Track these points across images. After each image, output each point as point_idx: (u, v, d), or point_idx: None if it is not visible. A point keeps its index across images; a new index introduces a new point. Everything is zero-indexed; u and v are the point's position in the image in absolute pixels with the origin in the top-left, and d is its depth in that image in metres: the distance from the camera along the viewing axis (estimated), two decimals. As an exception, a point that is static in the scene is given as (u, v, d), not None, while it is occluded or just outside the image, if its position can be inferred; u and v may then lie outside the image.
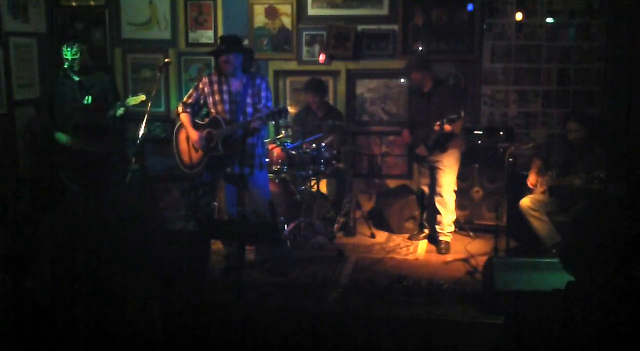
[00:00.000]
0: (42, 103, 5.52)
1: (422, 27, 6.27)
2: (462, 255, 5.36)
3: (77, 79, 5.27)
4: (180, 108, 4.82)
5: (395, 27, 6.29)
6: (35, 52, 6.23)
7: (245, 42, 5.57)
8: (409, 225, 5.99)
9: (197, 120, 4.81)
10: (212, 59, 6.53)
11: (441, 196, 5.43)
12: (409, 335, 3.85)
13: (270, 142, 5.67)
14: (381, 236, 5.92)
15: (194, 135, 4.69)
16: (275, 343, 3.79)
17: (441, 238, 5.50)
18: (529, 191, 5.28)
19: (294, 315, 4.04)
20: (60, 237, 2.77)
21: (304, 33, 6.45)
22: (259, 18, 6.45)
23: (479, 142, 5.79)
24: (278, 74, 6.58)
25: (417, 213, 5.97)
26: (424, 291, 4.44)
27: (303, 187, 5.66)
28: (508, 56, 6.17)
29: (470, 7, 6.15)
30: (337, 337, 3.87)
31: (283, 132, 5.89)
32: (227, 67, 4.59)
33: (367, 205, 6.39)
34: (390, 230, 6.01)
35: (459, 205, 5.79)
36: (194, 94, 4.78)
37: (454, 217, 5.55)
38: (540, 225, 5.07)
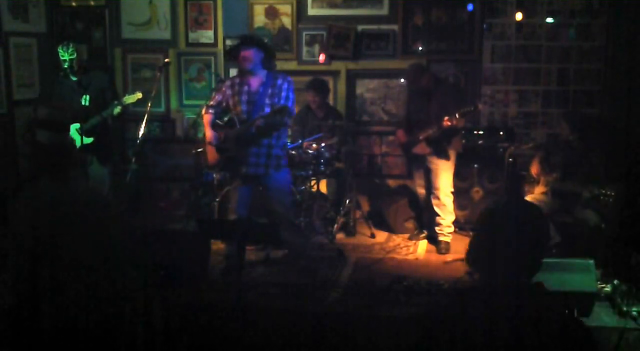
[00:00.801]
0: (41, 102, 5.52)
1: (422, 27, 6.27)
2: (462, 255, 5.35)
3: (75, 78, 5.27)
4: (203, 110, 4.85)
5: (395, 27, 6.29)
6: (35, 52, 6.24)
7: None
8: (409, 225, 5.99)
9: (217, 121, 4.81)
10: (212, 59, 6.61)
11: (439, 199, 5.42)
12: (409, 335, 3.85)
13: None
14: (381, 236, 5.92)
15: (209, 134, 4.70)
16: (275, 343, 3.79)
17: (441, 238, 5.50)
18: (531, 189, 5.28)
19: (294, 315, 4.04)
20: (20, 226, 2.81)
21: (304, 33, 6.45)
22: (259, 18, 6.46)
23: (479, 142, 5.79)
24: (278, 74, 6.59)
25: (416, 213, 5.97)
26: (424, 291, 4.44)
27: (303, 187, 5.66)
28: (508, 56, 6.17)
29: (470, 7, 6.15)
30: (337, 337, 3.87)
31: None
32: (244, 63, 4.52)
33: (367, 205, 6.39)
34: (390, 230, 6.01)
35: (459, 205, 5.79)
36: (217, 97, 4.78)
37: (453, 218, 5.54)
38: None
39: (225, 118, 4.81)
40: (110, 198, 5.00)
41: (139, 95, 5.30)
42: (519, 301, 1.94)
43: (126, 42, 6.65)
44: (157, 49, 6.60)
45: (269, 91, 4.55)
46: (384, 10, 6.31)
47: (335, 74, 6.49)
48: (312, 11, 6.41)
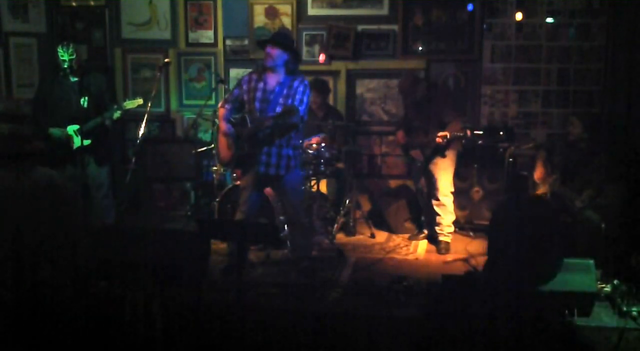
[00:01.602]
0: (38, 102, 5.49)
1: (422, 27, 6.27)
2: (462, 255, 5.36)
3: (74, 79, 5.26)
4: (220, 104, 4.84)
5: (395, 27, 6.29)
6: (35, 52, 6.24)
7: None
8: (409, 225, 5.99)
9: (230, 119, 4.79)
10: (212, 59, 6.61)
11: (438, 199, 5.43)
12: (409, 334, 3.85)
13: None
14: (381, 236, 5.92)
15: (223, 126, 4.68)
16: (275, 343, 3.79)
17: (441, 238, 5.50)
18: (533, 190, 5.27)
19: (294, 315, 4.04)
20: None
21: (304, 33, 6.45)
22: (259, 18, 6.46)
23: (479, 142, 5.78)
24: (278, 74, 6.58)
25: (416, 213, 5.96)
26: (423, 291, 4.43)
27: (303, 187, 5.65)
28: (508, 56, 6.18)
29: (470, 7, 6.15)
30: (337, 337, 3.87)
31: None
32: (267, 59, 4.52)
33: (367, 205, 6.39)
34: (390, 230, 6.02)
35: (459, 205, 5.80)
36: (235, 91, 4.76)
37: (453, 218, 5.54)
38: (540, 225, 5.06)
39: (238, 116, 4.80)
40: (76, 192, 4.96)
41: (140, 101, 5.30)
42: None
43: (126, 42, 6.66)
44: (157, 49, 6.61)
45: (285, 92, 4.54)
46: (384, 10, 6.31)
47: (335, 74, 6.48)
48: (312, 11, 6.42)
